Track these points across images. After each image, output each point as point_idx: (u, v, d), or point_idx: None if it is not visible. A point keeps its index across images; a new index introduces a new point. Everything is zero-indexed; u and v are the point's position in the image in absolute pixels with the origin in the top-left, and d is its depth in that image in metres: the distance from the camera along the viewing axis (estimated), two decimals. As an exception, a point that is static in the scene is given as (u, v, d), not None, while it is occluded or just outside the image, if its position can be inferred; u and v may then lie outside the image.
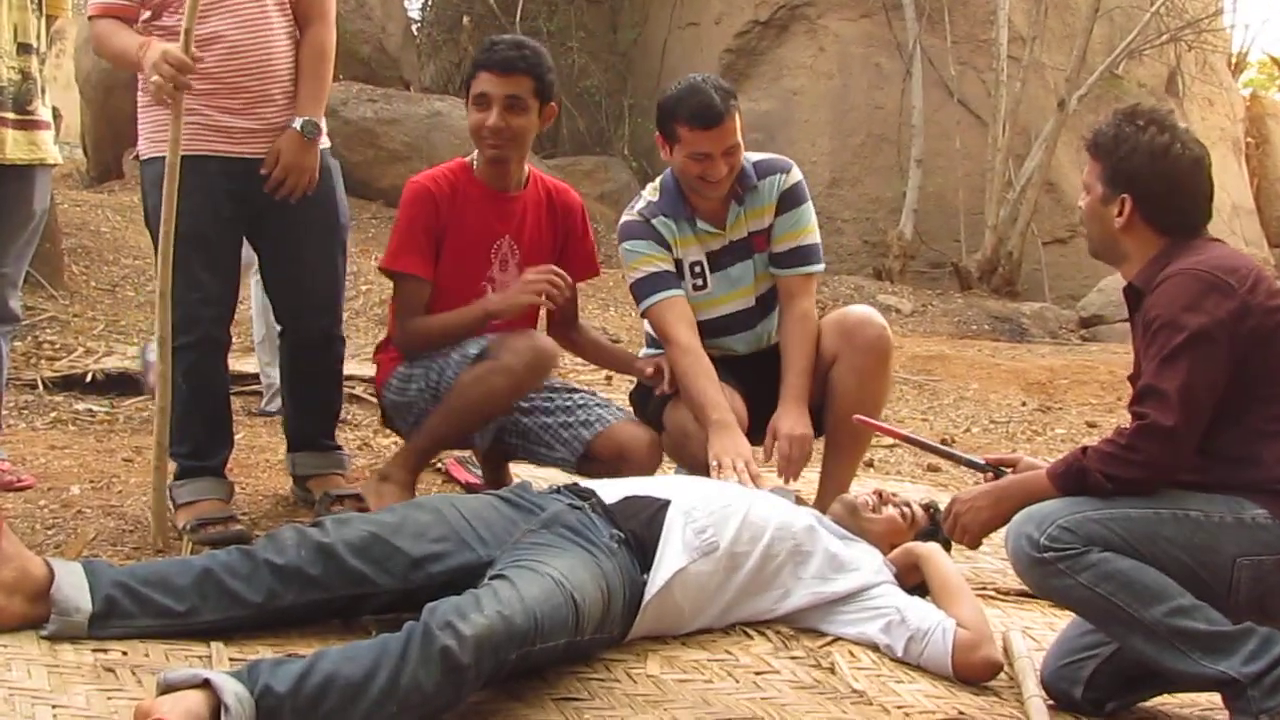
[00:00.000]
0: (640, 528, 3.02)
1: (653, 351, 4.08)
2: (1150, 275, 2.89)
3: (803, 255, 4.00)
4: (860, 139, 14.26)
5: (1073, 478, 2.81)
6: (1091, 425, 6.80)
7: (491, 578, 2.65)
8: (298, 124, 3.77)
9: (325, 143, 3.94)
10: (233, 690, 2.24)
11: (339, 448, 4.15)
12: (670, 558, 2.99)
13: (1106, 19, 14.26)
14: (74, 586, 2.64)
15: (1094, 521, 2.75)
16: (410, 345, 3.91)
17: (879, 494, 3.50)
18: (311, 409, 4.06)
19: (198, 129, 3.66)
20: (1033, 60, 13.56)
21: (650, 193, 4.01)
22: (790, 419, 3.79)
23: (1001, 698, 3.04)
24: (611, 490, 3.16)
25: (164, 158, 3.55)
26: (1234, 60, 18.30)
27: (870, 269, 13.37)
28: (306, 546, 2.81)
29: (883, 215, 13.83)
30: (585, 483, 3.26)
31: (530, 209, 4.02)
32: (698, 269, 3.98)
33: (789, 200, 4.00)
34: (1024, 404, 7.46)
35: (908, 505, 3.47)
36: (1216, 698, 2.89)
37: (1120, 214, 2.94)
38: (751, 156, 3.98)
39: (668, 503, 3.09)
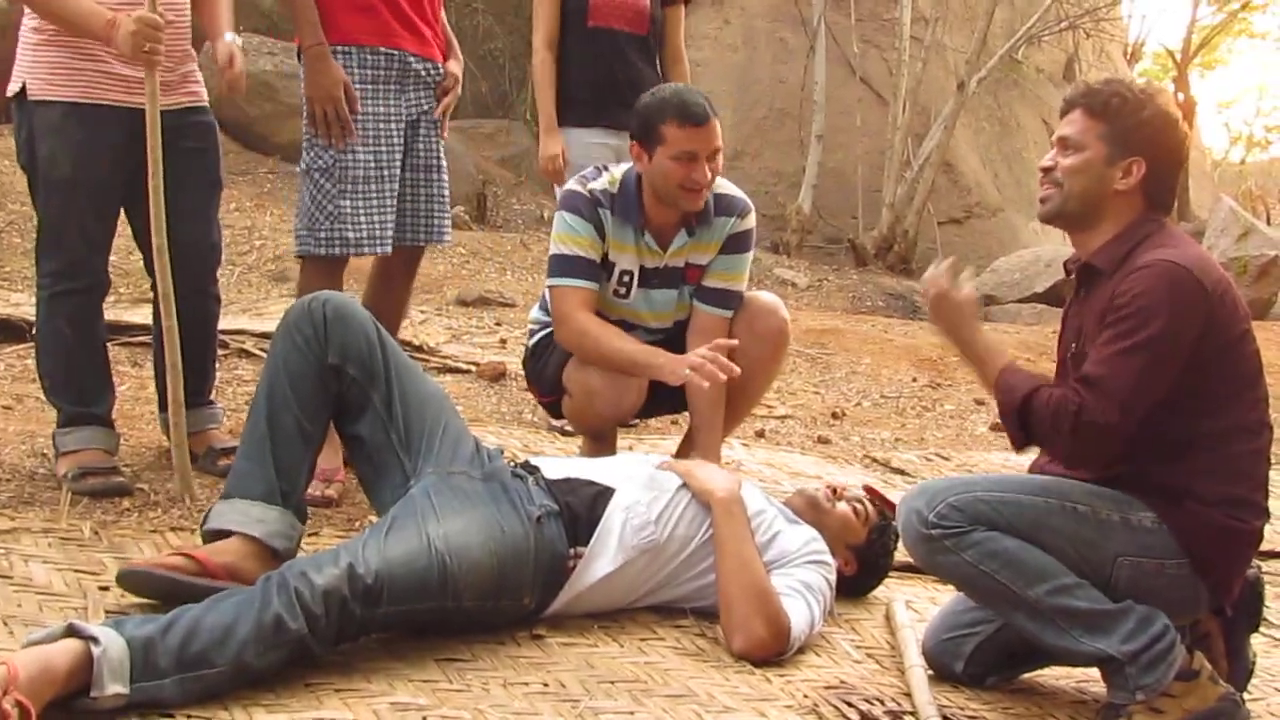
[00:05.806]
0: (580, 505, 3.00)
1: (545, 317, 4.01)
2: (1114, 254, 2.85)
3: (727, 300, 3.93)
4: (763, 112, 14.32)
5: (1013, 417, 2.80)
6: (980, 403, 6.87)
7: (380, 520, 2.81)
8: (229, 36, 3.78)
9: (206, 99, 3.91)
10: (99, 629, 2.28)
11: (212, 402, 4.08)
12: (603, 559, 2.97)
13: (1008, 3, 14.46)
14: None
15: (983, 502, 2.77)
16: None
17: (832, 489, 3.45)
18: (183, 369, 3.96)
19: (96, 77, 3.65)
20: (934, 41, 13.69)
21: (609, 182, 3.86)
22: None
23: (883, 667, 3.08)
24: (556, 468, 3.14)
25: (60, 103, 3.59)
26: (1130, 50, 18.62)
27: (768, 242, 13.40)
28: None
29: (782, 189, 13.90)
30: (534, 460, 3.22)
31: None
32: (626, 278, 3.89)
33: (735, 244, 3.93)
34: (914, 380, 7.52)
35: (860, 502, 3.43)
36: (1092, 669, 2.95)
37: (1126, 176, 2.87)
38: (715, 188, 3.86)
39: (611, 491, 3.06)
